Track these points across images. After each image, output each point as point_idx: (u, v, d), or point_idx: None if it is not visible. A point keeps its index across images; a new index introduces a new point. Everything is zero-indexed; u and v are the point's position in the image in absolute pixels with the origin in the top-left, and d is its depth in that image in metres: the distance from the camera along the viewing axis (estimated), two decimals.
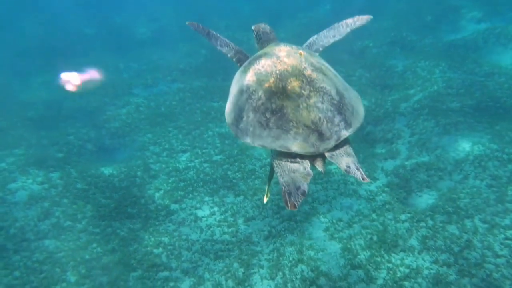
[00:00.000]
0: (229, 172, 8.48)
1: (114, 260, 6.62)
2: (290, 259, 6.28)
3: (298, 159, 2.53)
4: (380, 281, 5.71)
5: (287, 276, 6.03)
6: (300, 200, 2.32)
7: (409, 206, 7.08)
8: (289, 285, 5.89)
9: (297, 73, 2.64)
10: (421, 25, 14.18)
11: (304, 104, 2.53)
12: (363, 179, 2.37)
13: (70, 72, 10.78)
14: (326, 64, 2.92)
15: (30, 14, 20.82)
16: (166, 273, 6.43)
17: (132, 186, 8.43)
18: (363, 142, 8.96)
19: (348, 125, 2.59)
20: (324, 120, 2.52)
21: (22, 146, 9.66)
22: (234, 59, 3.39)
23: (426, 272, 5.71)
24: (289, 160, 2.54)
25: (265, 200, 3.21)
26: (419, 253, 6.01)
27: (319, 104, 2.55)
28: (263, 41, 3.25)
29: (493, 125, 8.20)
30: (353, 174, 2.41)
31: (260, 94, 2.64)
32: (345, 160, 2.49)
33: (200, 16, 17.63)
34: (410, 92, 10.32)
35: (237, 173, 8.40)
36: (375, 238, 6.37)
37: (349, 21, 3.44)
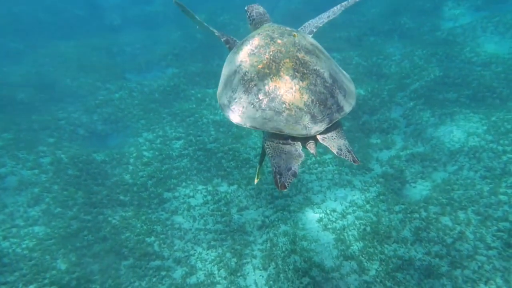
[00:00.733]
0: (223, 161, 8.39)
1: (105, 248, 6.56)
2: (283, 249, 6.25)
3: (290, 141, 2.52)
4: (372, 272, 5.72)
5: (280, 266, 6.01)
6: (290, 181, 2.32)
7: (403, 197, 7.06)
8: (281, 275, 5.88)
9: (291, 55, 2.61)
10: (420, 12, 13.96)
11: (297, 86, 2.51)
12: (354, 161, 2.42)
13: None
14: (320, 47, 2.87)
15: None
16: (158, 262, 6.40)
17: (125, 173, 8.32)
18: (358, 132, 8.89)
19: (340, 108, 2.59)
20: (317, 102, 2.50)
21: (12, 130, 9.45)
22: (222, 40, 3.28)
23: (418, 263, 5.72)
24: (281, 141, 2.52)
25: (256, 181, 3.22)
26: (411, 245, 6.01)
27: (312, 87, 2.53)
28: (256, 22, 3.18)
29: (489, 116, 8.14)
30: (344, 157, 2.44)
31: (253, 75, 2.59)
32: (337, 142, 2.51)
33: None
34: (406, 81, 10.21)
35: (231, 162, 8.31)
36: (368, 229, 6.36)
37: (344, 3, 3.38)
